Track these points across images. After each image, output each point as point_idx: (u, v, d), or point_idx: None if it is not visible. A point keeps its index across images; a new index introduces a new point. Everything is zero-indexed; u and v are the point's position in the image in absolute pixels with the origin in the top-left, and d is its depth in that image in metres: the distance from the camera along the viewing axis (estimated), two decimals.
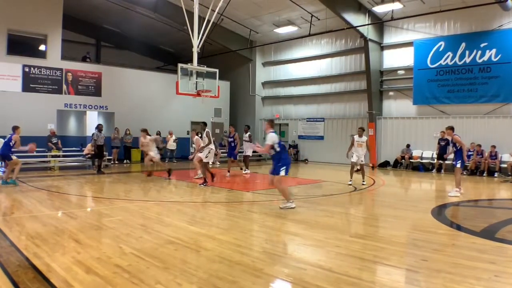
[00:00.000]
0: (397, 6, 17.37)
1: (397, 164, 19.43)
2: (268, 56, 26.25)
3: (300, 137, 24.51)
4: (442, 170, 17.46)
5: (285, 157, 8.53)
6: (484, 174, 16.40)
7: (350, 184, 12.67)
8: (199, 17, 15.98)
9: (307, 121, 24.12)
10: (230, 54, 24.32)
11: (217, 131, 25.39)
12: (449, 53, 18.22)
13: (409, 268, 4.88)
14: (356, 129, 21.57)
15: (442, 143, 17.15)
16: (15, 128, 12.07)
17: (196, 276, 4.45)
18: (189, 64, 15.65)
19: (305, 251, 5.68)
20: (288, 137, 25.08)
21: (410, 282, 4.50)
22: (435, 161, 17.84)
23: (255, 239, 6.37)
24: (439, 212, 8.43)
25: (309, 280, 4.37)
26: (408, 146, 19.15)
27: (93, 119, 22.12)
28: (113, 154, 19.68)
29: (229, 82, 26.13)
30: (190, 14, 15.78)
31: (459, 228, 6.98)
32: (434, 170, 17.79)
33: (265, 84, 26.55)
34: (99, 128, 16.06)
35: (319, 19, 19.88)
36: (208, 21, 16.12)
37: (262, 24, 22.61)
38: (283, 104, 25.76)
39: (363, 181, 13.08)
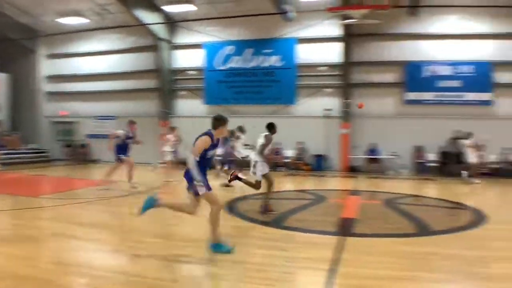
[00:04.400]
0: (189, 7, 17.80)
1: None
2: (54, 48, 23.61)
3: (90, 136, 22.86)
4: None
5: None
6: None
7: None
8: None
9: (97, 119, 22.68)
10: (11, 44, 21.25)
11: None
12: (237, 57, 19.64)
13: (209, 263, 4.99)
14: (152, 128, 21.22)
15: None
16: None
17: None
18: None
19: (103, 257, 5.29)
20: (77, 136, 23.20)
21: (211, 275, 4.58)
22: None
23: (45, 250, 5.63)
24: (231, 206, 8.83)
25: None
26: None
27: None
28: None
29: (10, 75, 22.80)
30: None
31: (252, 220, 7.45)
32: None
33: (50, 78, 23.86)
34: None
35: (112, 13, 18.89)
36: None
37: (46, 13, 20.07)
38: (70, 101, 23.52)
39: None
